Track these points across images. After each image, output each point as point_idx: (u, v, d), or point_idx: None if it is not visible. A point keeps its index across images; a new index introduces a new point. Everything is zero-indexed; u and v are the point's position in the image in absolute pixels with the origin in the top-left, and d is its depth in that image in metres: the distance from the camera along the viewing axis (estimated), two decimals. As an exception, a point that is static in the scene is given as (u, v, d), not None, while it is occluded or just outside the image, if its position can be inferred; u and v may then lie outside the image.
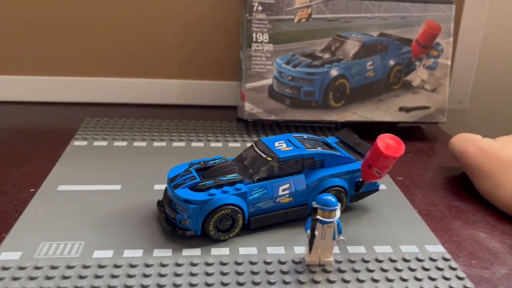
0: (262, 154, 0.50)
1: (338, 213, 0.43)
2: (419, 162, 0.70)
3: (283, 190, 0.49)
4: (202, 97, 0.88)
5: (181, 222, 0.47)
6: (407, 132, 0.81)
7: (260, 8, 0.73)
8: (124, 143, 0.70)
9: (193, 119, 0.81)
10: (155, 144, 0.70)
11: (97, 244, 0.46)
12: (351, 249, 0.48)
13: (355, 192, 0.52)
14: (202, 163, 0.51)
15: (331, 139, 0.57)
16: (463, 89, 0.94)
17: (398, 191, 0.60)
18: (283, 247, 0.47)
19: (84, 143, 0.69)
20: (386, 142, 0.46)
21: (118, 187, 0.57)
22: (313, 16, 0.74)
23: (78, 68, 0.85)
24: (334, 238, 0.44)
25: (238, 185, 0.48)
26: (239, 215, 0.47)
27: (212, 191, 0.46)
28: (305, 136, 0.54)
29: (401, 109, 0.77)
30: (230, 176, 0.48)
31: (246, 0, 0.72)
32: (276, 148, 0.50)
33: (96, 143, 0.69)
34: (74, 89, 0.86)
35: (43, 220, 0.50)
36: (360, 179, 0.50)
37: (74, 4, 0.82)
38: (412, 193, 0.60)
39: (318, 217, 0.42)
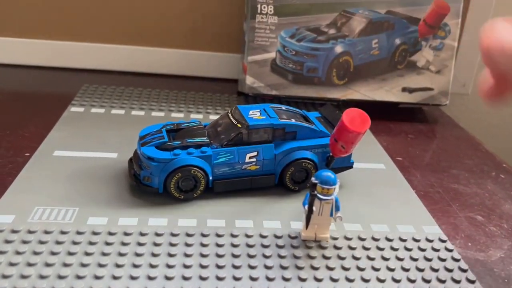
0: (234, 121, 0.50)
1: (337, 189, 0.42)
2: (419, 144, 0.69)
3: (250, 157, 0.50)
4: (203, 68, 0.87)
5: (145, 178, 0.48)
6: (408, 113, 0.80)
7: (266, -22, 0.71)
8: (122, 111, 0.69)
9: (192, 91, 0.80)
10: (153, 114, 0.69)
11: (92, 210, 0.46)
12: (348, 226, 0.47)
13: (326, 167, 0.52)
14: (175, 124, 0.52)
15: (312, 114, 0.57)
16: (467, 73, 0.93)
17: (397, 171, 0.60)
18: (279, 222, 0.47)
19: (81, 109, 0.68)
20: (352, 116, 0.45)
21: (114, 155, 0.56)
22: (320, -11, 0.72)
23: (78, 33, 0.83)
24: (331, 215, 0.43)
25: (204, 148, 0.48)
26: (202, 177, 0.48)
27: (177, 151, 0.47)
28: (284, 107, 0.54)
29: (404, 89, 0.76)
30: (198, 139, 0.49)
31: (252, -30, 0.70)
32: (249, 116, 0.51)
33: (93, 110, 0.68)
34: (73, 54, 0.84)
35: (37, 184, 0.49)
36: (330, 154, 0.50)
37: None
38: (411, 174, 0.60)
39: (317, 193, 0.42)
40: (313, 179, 0.41)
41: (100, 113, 0.67)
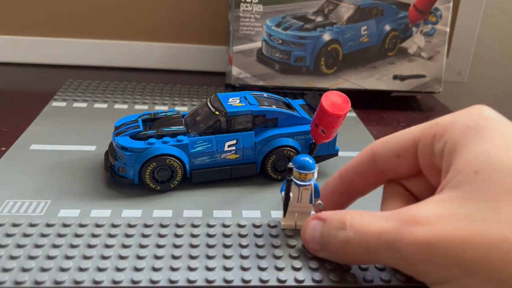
0: (212, 109, 0.49)
1: (315, 175, 0.41)
2: (411, 132, 0.67)
3: (229, 146, 0.48)
4: (189, 61, 0.85)
5: (119, 169, 0.46)
6: (401, 101, 0.78)
7: (249, -34, 0.69)
8: (105, 105, 0.67)
9: (179, 84, 0.78)
10: (137, 107, 0.68)
11: (64, 203, 0.44)
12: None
13: (310, 155, 0.50)
14: (152, 114, 0.51)
15: (296, 101, 0.55)
16: (463, 60, 0.91)
17: (386, 159, 0.58)
18: (259, 211, 0.45)
19: (63, 104, 0.67)
20: (332, 99, 0.43)
21: (93, 148, 0.55)
22: (306, -24, 0.70)
23: (61, 29, 0.82)
24: (311, 202, 0.41)
25: (180, 137, 0.47)
26: (178, 167, 0.46)
27: (152, 140, 0.46)
28: (265, 94, 0.52)
29: (395, 77, 0.74)
30: (174, 128, 0.48)
31: (235, -42, 0.69)
32: (228, 104, 0.49)
33: (75, 105, 0.67)
34: (56, 50, 0.82)
35: (10, 178, 0.48)
36: (313, 141, 0.48)
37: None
38: (401, 162, 0.58)
39: (294, 178, 0.40)
40: (289, 164, 0.40)
41: (82, 108, 0.66)
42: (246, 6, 0.70)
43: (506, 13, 0.93)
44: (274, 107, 0.50)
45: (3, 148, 0.54)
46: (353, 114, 0.71)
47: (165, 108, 0.68)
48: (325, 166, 0.53)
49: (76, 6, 0.81)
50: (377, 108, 0.74)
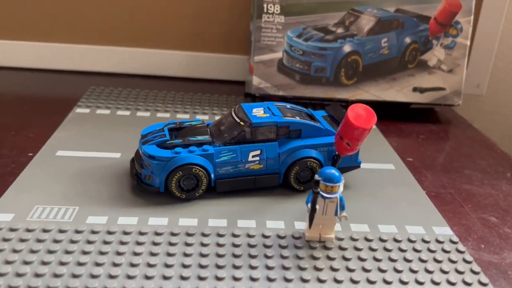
0: (237, 119, 0.49)
1: (341, 187, 0.41)
2: (431, 144, 0.67)
3: (253, 156, 0.48)
4: (210, 70, 0.86)
5: (146, 177, 0.47)
6: (420, 113, 0.78)
7: (272, -23, 0.70)
8: (127, 113, 0.68)
9: (199, 92, 0.79)
10: (159, 115, 0.68)
11: (92, 210, 0.45)
12: (354, 227, 0.46)
13: (333, 166, 0.50)
14: (177, 123, 0.52)
15: (318, 112, 0.56)
16: (481, 73, 0.91)
17: (407, 171, 0.58)
18: (283, 222, 0.46)
19: (87, 110, 0.68)
20: (358, 112, 0.43)
21: (117, 155, 0.56)
22: (328, -12, 0.71)
23: (85, 36, 0.84)
24: (336, 214, 0.42)
25: (205, 146, 0.47)
26: (204, 176, 0.47)
27: (178, 149, 0.47)
28: (288, 105, 0.53)
29: (415, 89, 0.74)
30: (199, 137, 0.48)
31: (258, -31, 0.70)
32: (252, 114, 0.49)
33: (99, 111, 0.68)
34: (80, 57, 0.84)
35: (38, 183, 0.49)
36: (336, 153, 0.48)
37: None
38: (422, 175, 0.58)
39: (320, 190, 0.40)
40: (316, 176, 0.40)
41: (106, 114, 0.67)
42: (268, 17, 0.71)
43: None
44: (297, 118, 0.51)
45: (31, 154, 0.55)
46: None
47: (187, 116, 0.69)
48: (347, 178, 0.54)
49: (100, 15, 0.83)
50: (396, 119, 0.74)
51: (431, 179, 0.57)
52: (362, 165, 0.56)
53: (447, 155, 0.65)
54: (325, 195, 0.41)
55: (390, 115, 0.76)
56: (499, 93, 0.97)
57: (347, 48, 0.72)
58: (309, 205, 0.41)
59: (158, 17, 0.83)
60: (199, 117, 0.69)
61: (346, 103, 0.76)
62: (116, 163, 0.54)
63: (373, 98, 0.74)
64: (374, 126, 0.71)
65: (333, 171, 0.41)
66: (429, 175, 0.58)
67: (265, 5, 0.70)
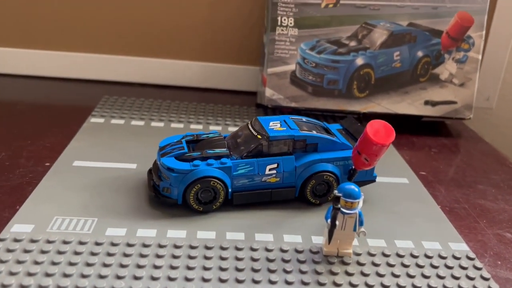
0: (254, 132, 0.50)
1: (361, 203, 0.41)
2: (443, 158, 0.68)
3: (270, 169, 0.49)
4: (222, 81, 0.87)
5: (164, 189, 0.47)
6: (431, 127, 0.78)
7: (286, -9, 0.70)
8: (142, 123, 0.69)
9: (212, 103, 0.79)
10: (173, 125, 0.69)
11: (110, 221, 0.45)
12: (371, 242, 0.46)
13: (348, 181, 0.51)
14: (195, 136, 0.52)
15: (333, 126, 0.56)
16: (492, 87, 0.91)
17: (420, 186, 0.58)
18: (300, 236, 0.46)
19: (101, 120, 0.68)
20: (376, 128, 0.44)
21: (134, 165, 0.56)
22: (341, 1, 0.72)
23: (99, 45, 0.84)
24: (354, 230, 0.42)
25: (223, 159, 0.48)
26: (221, 189, 0.47)
27: (196, 162, 0.47)
28: (304, 119, 0.53)
29: (426, 102, 0.75)
30: (217, 150, 0.49)
31: (273, -18, 0.70)
32: (269, 128, 0.50)
33: (113, 121, 0.68)
34: (94, 66, 0.85)
35: (57, 194, 0.49)
36: (353, 167, 0.48)
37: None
38: (435, 189, 0.58)
39: (340, 206, 0.40)
40: (336, 192, 0.40)
41: (120, 124, 0.68)
42: (282, 30, 0.71)
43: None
44: (314, 132, 0.51)
45: (47, 164, 0.55)
46: (385, 138, 0.71)
47: (199, 127, 0.69)
48: (362, 192, 0.54)
49: (114, 25, 0.83)
50: (408, 132, 0.75)
51: (444, 193, 0.57)
52: (377, 179, 0.56)
53: (459, 169, 0.65)
54: (344, 210, 0.41)
55: (402, 128, 0.76)
56: (509, 107, 0.97)
57: (359, 61, 0.72)
58: (329, 220, 0.41)
59: (172, 27, 0.84)
60: (213, 127, 0.70)
61: (358, 116, 0.76)
62: (133, 174, 0.54)
63: (385, 111, 0.74)
64: (386, 139, 0.71)
65: (353, 187, 0.41)
66: (443, 189, 0.58)
67: (279, 18, 0.71)
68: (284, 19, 0.71)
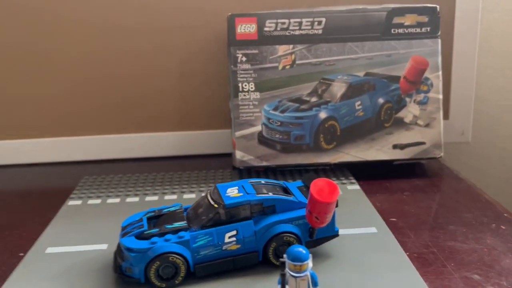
0: (212, 201, 0.51)
1: (310, 264, 0.42)
2: (416, 201, 0.68)
3: (230, 237, 0.49)
4: (197, 146, 0.90)
5: (126, 269, 0.48)
6: (406, 168, 0.79)
7: (244, 59, 0.74)
8: (118, 200, 0.71)
9: (188, 170, 0.82)
10: (147, 198, 0.71)
11: (75, 308, 0.46)
12: (333, 300, 0.46)
13: (310, 238, 0.51)
14: (157, 211, 0.53)
15: (294, 184, 0.57)
16: (464, 121, 0.92)
17: (389, 233, 0.58)
18: (262, 302, 0.46)
19: (79, 202, 0.71)
20: (320, 187, 0.45)
21: (105, 246, 0.58)
22: (297, 62, 0.75)
23: (74, 128, 0.88)
24: (309, 292, 0.42)
25: (181, 233, 0.49)
26: (181, 263, 0.48)
27: (154, 239, 0.48)
28: (263, 181, 0.55)
29: (395, 146, 0.76)
30: (176, 224, 0.50)
31: (230, 52, 0.74)
32: (226, 195, 0.51)
33: (90, 201, 0.71)
34: (71, 148, 0.88)
35: (26, 285, 0.50)
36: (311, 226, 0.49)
37: (66, 65, 0.86)
38: (405, 235, 0.58)
39: (288, 271, 0.41)
40: (282, 258, 0.41)
41: (97, 204, 0.70)
42: (244, 95, 0.75)
43: (502, 71, 0.96)
44: (270, 194, 0.52)
45: (21, 254, 0.57)
46: (357, 187, 0.72)
47: (174, 197, 0.71)
48: (326, 247, 0.54)
49: (85, 106, 0.88)
50: (382, 178, 0.76)
51: (414, 239, 0.57)
52: (343, 231, 0.57)
53: (431, 211, 0.65)
54: (294, 274, 0.41)
55: (375, 174, 0.77)
56: (486, 138, 0.98)
57: (322, 114, 0.75)
58: (279, 286, 0.42)
59: (143, 103, 0.88)
60: (186, 195, 0.71)
61: (330, 167, 0.78)
62: (102, 255, 0.56)
63: (355, 159, 0.76)
64: (358, 187, 0.72)
65: (300, 249, 0.41)
66: (412, 235, 0.58)
67: (240, 85, 0.74)
68: (245, 85, 0.75)
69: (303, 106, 0.75)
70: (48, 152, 0.88)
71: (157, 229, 0.50)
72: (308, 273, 0.42)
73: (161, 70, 0.87)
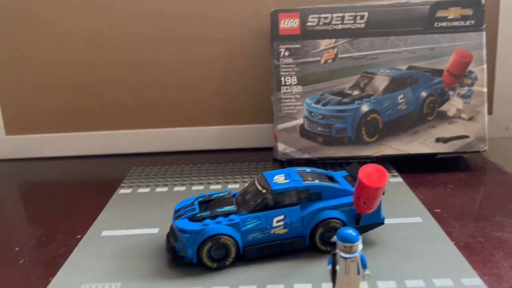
0: (260, 187, 0.53)
1: (360, 246, 0.43)
2: (460, 193, 0.68)
3: (277, 221, 0.51)
4: (240, 140, 0.92)
5: (180, 250, 0.51)
6: (449, 162, 0.78)
7: (286, 53, 0.76)
8: (165, 189, 0.74)
9: (231, 162, 0.84)
10: (194, 188, 0.73)
11: (133, 285, 0.49)
12: (381, 284, 0.47)
13: (356, 225, 0.52)
14: (206, 196, 0.56)
15: (339, 173, 0.58)
16: (508, 116, 0.91)
17: (434, 223, 0.58)
18: (311, 284, 0.47)
19: (129, 190, 0.74)
20: (369, 172, 0.46)
21: (156, 230, 0.60)
22: (339, 56, 0.76)
23: (125, 123, 0.92)
24: (358, 273, 0.43)
25: (231, 216, 0.51)
26: (232, 244, 0.50)
27: (206, 221, 0.50)
28: (308, 169, 0.56)
29: (438, 140, 0.76)
30: (226, 208, 0.52)
31: (273, 47, 0.76)
32: (273, 181, 0.53)
33: (139, 190, 0.74)
34: (122, 142, 0.92)
35: (85, 263, 0.54)
36: (358, 212, 0.50)
37: (115, 62, 0.90)
38: (450, 225, 0.58)
39: (338, 251, 0.42)
40: (333, 238, 0.42)
41: (145, 193, 0.73)
42: (287, 89, 0.76)
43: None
44: (317, 181, 0.54)
45: (79, 236, 0.60)
46: (399, 179, 0.72)
47: (219, 187, 0.73)
48: (373, 235, 0.55)
49: (138, 101, 0.91)
50: (423, 171, 0.75)
51: (459, 229, 0.57)
52: (389, 221, 0.57)
53: (476, 203, 0.65)
54: (344, 255, 0.43)
55: (417, 167, 0.77)
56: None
57: (364, 108, 0.75)
58: (330, 266, 0.43)
59: (189, 98, 0.91)
60: (231, 185, 0.73)
61: (371, 160, 0.78)
62: (155, 238, 0.58)
63: (397, 152, 0.76)
64: (401, 180, 0.72)
65: (350, 231, 0.43)
66: (458, 225, 0.58)
67: (282, 79, 0.76)
68: (288, 79, 0.76)
69: (345, 100, 0.76)
70: (100, 145, 0.93)
71: (209, 212, 0.52)
72: (357, 254, 0.43)
73: (208, 69, 0.89)
